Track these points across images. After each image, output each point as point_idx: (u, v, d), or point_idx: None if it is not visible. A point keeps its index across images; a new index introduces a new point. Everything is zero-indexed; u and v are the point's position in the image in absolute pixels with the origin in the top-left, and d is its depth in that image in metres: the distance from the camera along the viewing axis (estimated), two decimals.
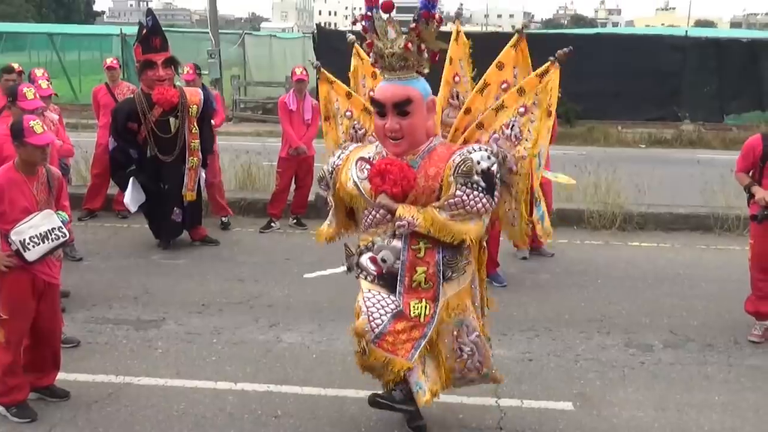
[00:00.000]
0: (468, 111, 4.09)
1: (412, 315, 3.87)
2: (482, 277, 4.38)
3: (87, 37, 30.24)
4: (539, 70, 3.91)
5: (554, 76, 3.90)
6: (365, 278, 3.96)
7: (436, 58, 3.81)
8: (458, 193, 3.72)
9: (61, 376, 5.20)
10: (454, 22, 4.55)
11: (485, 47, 4.98)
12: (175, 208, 8.33)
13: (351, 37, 4.48)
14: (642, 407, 5.12)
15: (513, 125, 3.89)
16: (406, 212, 3.79)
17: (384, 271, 3.90)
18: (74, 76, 25.98)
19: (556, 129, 8.57)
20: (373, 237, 3.98)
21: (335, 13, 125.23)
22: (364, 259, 3.93)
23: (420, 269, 3.86)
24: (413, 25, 3.57)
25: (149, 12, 8.28)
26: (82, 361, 5.64)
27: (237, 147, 12.07)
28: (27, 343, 4.96)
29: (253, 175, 10.83)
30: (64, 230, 4.87)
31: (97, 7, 72.08)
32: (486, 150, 3.77)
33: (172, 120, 8.10)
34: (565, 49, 3.89)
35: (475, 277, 4.25)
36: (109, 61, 9.99)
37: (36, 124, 4.70)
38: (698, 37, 21.70)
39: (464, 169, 3.67)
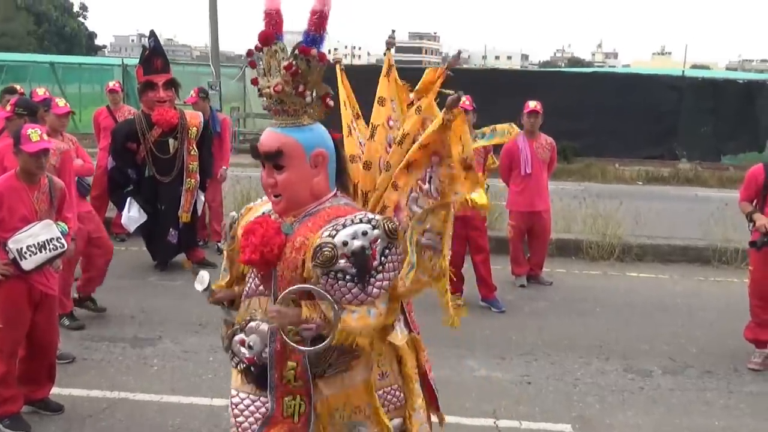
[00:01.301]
0: (395, 186, 3.13)
1: (285, 415, 3.03)
2: (407, 373, 3.32)
3: (88, 68, 30.45)
4: (436, 125, 2.99)
5: (458, 127, 3.01)
6: (236, 366, 3.12)
7: (329, 102, 3.03)
8: (322, 285, 2.85)
9: (55, 390, 5.15)
10: (384, 54, 3.57)
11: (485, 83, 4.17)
12: (171, 230, 8.33)
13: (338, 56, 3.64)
14: (642, 431, 5.08)
15: (431, 177, 3.02)
16: (310, 311, 2.85)
17: (255, 359, 3.03)
18: (74, 108, 25.92)
19: (555, 164, 8.65)
20: (251, 312, 3.09)
21: (333, 51, 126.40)
22: (236, 342, 3.06)
23: (290, 364, 2.98)
24: (285, 63, 2.85)
25: (152, 34, 8.36)
26: (77, 376, 5.59)
27: (237, 175, 12.09)
28: (22, 355, 4.92)
29: (251, 200, 10.82)
30: (63, 241, 4.86)
31: (98, 41, 72.66)
32: (365, 222, 2.85)
33: (171, 141, 8.13)
34: (453, 95, 2.96)
35: (387, 374, 3.21)
36: (111, 84, 10.07)
37: (33, 132, 4.70)
38: (695, 77, 21.94)
39: (321, 259, 2.80)
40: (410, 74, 3.62)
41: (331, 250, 2.78)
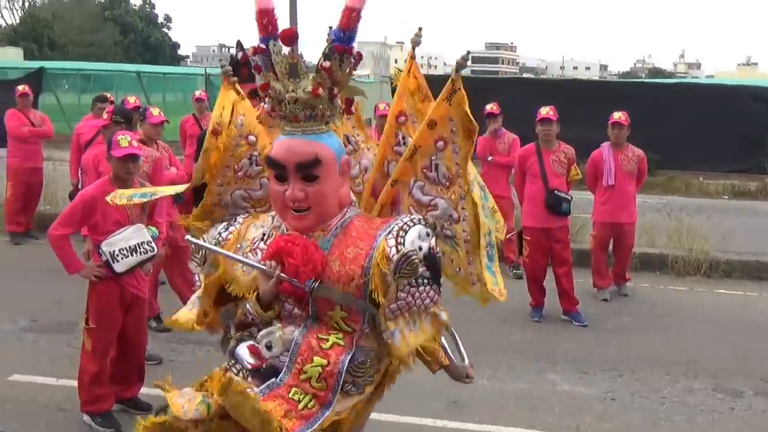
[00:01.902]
0: (395, 183, 2.98)
1: (290, 397, 2.66)
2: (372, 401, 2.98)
3: (172, 78, 31.25)
4: (444, 93, 2.88)
5: (460, 96, 2.89)
6: (236, 372, 2.76)
7: (352, 108, 2.84)
8: (401, 295, 2.68)
9: (144, 390, 5.27)
10: (411, 56, 3.14)
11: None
12: None
13: (227, 67, 3.14)
14: None
15: (436, 165, 2.90)
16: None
17: (264, 365, 2.73)
18: None
19: (644, 176, 8.45)
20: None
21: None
22: (242, 349, 2.77)
23: (318, 360, 2.67)
24: (325, 63, 2.60)
25: (238, 44, 8.50)
26: (164, 377, 5.70)
27: None
28: (113, 355, 5.06)
29: None
30: (153, 245, 4.98)
31: (181, 51, 74.59)
32: (418, 223, 2.72)
33: None
34: (460, 57, 2.88)
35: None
36: (197, 93, 10.32)
37: (123, 138, 4.87)
38: None
39: (410, 268, 2.63)
40: (486, 84, 3.55)
41: (414, 262, 2.62)
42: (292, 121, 2.67)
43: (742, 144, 19.05)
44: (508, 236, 8.78)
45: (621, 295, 8.38)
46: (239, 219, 2.95)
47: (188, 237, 2.93)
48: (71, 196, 8.96)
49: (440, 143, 2.88)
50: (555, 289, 7.51)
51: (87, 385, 4.89)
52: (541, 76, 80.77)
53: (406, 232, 2.67)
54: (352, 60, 2.66)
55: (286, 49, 2.64)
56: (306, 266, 2.63)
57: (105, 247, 4.83)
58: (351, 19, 2.62)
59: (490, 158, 8.95)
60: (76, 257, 4.97)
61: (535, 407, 5.51)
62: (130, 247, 4.89)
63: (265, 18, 2.67)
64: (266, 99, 2.71)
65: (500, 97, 11.39)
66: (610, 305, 8.08)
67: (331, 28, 2.65)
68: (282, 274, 2.62)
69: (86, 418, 4.93)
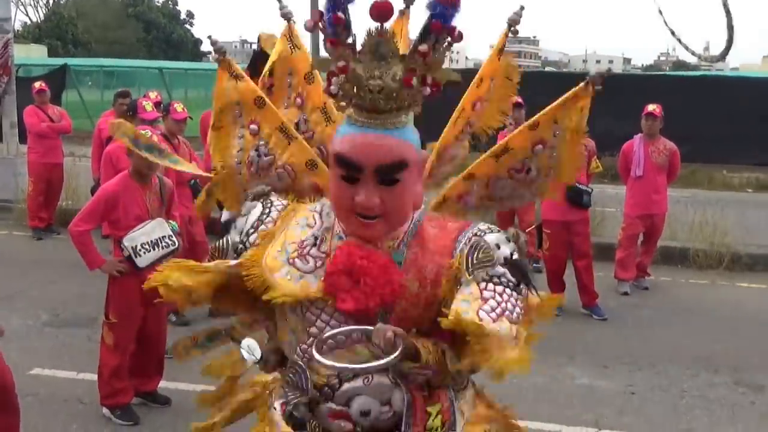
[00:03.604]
0: (470, 177, 2.58)
1: None
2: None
3: (194, 74, 31.40)
4: (562, 99, 2.59)
5: (585, 102, 2.60)
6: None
7: (439, 92, 2.18)
8: (486, 294, 2.10)
9: (163, 383, 5.32)
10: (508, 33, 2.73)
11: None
12: None
13: (219, 44, 2.58)
14: None
15: (529, 168, 2.54)
16: (427, 354, 2.10)
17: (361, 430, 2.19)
18: None
19: (677, 170, 8.39)
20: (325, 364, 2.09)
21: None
22: (322, 414, 2.19)
23: (433, 409, 2.23)
24: (422, 47, 2.05)
25: (259, 38, 8.53)
26: (184, 371, 5.71)
27: None
28: (133, 349, 5.10)
29: None
30: (174, 239, 5.01)
31: (203, 48, 74.80)
32: (497, 231, 2.27)
33: None
34: (602, 71, 2.62)
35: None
36: None
37: (143, 133, 4.88)
38: None
39: (481, 256, 2.15)
40: None
41: (488, 249, 2.17)
42: (370, 111, 2.11)
43: (766, 137, 18.83)
44: (527, 230, 8.76)
45: (641, 289, 8.33)
46: (276, 204, 2.40)
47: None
48: (93, 192, 9.06)
49: (539, 147, 2.52)
50: (575, 282, 7.47)
51: (107, 379, 4.94)
52: (563, 70, 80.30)
53: (484, 233, 2.23)
54: (449, 40, 2.10)
55: (375, 28, 2.07)
56: (384, 288, 2.14)
57: (127, 242, 4.86)
58: None
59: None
60: (97, 252, 5.01)
61: (554, 401, 5.49)
62: (151, 241, 4.92)
63: None
64: (333, 79, 2.11)
65: (522, 91, 11.30)
66: (631, 299, 8.03)
67: None
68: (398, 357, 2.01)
69: (106, 411, 4.99)
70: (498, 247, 2.20)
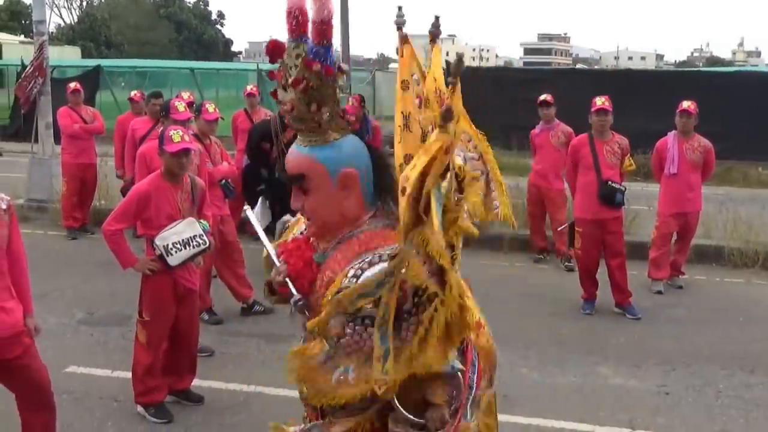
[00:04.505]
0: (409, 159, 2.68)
1: None
2: None
3: (225, 74, 31.60)
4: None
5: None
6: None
7: (349, 118, 2.57)
8: (348, 331, 2.26)
9: (196, 382, 5.36)
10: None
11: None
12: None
13: (401, 19, 2.87)
14: None
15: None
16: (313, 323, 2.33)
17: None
18: None
19: (711, 168, 8.27)
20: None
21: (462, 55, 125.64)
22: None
23: None
24: (295, 77, 2.39)
25: None
26: (216, 369, 5.79)
27: None
28: (166, 347, 5.15)
29: None
30: (205, 238, 5.04)
31: (234, 48, 75.39)
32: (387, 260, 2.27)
33: None
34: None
35: None
36: (249, 88, 10.39)
37: (175, 133, 4.92)
38: None
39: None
40: (539, 75, 3.40)
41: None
42: (298, 131, 2.51)
43: None
44: (559, 228, 8.71)
45: (675, 288, 8.23)
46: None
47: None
48: (123, 192, 9.14)
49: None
50: (607, 281, 7.40)
51: (140, 377, 4.99)
52: (595, 67, 79.68)
53: (370, 265, 2.33)
54: (327, 75, 2.40)
55: (280, 60, 2.42)
56: (295, 281, 2.49)
57: (159, 241, 4.90)
58: (319, 31, 2.38)
59: None
60: (131, 252, 5.06)
61: (586, 401, 5.45)
62: (183, 240, 4.96)
63: (292, 18, 2.40)
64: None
65: (553, 88, 11.24)
66: (665, 298, 7.93)
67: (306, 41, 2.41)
68: (285, 279, 2.48)
69: (140, 409, 5.03)
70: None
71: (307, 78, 2.38)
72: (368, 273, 2.30)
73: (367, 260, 2.35)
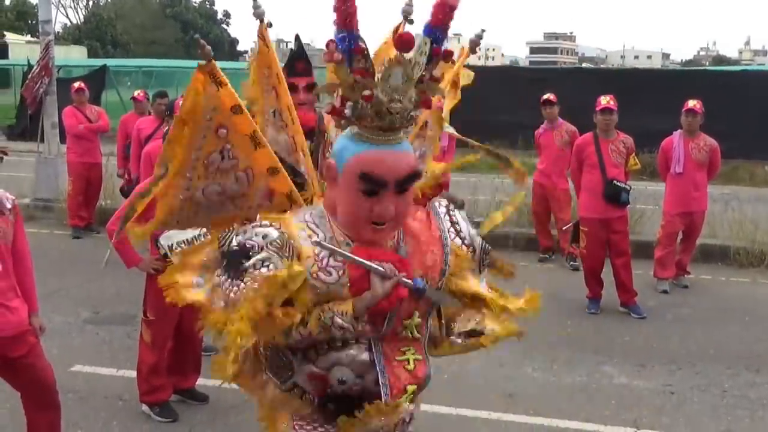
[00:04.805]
0: None
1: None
2: None
3: (231, 73, 31.60)
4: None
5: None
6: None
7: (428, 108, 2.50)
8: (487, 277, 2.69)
9: (200, 381, 5.35)
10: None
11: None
12: None
13: (207, 48, 2.58)
14: None
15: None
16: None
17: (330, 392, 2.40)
18: None
19: (717, 167, 8.25)
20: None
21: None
22: (303, 371, 2.41)
23: (410, 388, 2.43)
24: (435, 72, 2.32)
25: (296, 37, 8.55)
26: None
27: None
28: (170, 346, 5.15)
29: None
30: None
31: (240, 47, 75.37)
32: (455, 206, 2.66)
33: (307, 143, 8.32)
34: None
35: None
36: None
37: None
38: None
39: (490, 257, 2.69)
40: (545, 74, 3.45)
41: (488, 246, 2.68)
42: (387, 131, 2.28)
43: None
44: (564, 227, 8.70)
45: (680, 287, 8.22)
46: (269, 232, 2.32)
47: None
48: (122, 191, 9.16)
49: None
50: (613, 280, 7.40)
51: (145, 376, 5.00)
52: (601, 66, 79.56)
53: (458, 223, 2.60)
54: (447, 61, 2.39)
55: (396, 55, 2.24)
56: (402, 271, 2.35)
57: (163, 240, 4.90)
58: (447, 15, 2.26)
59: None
60: (135, 251, 5.06)
61: (591, 400, 5.44)
62: (187, 239, 4.94)
63: (344, 7, 2.24)
64: (347, 103, 2.27)
65: (559, 87, 11.24)
66: (670, 297, 7.92)
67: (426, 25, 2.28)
68: (404, 279, 2.31)
69: (145, 408, 5.04)
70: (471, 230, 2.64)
71: (432, 68, 2.31)
72: (464, 227, 2.63)
73: (446, 227, 2.58)
